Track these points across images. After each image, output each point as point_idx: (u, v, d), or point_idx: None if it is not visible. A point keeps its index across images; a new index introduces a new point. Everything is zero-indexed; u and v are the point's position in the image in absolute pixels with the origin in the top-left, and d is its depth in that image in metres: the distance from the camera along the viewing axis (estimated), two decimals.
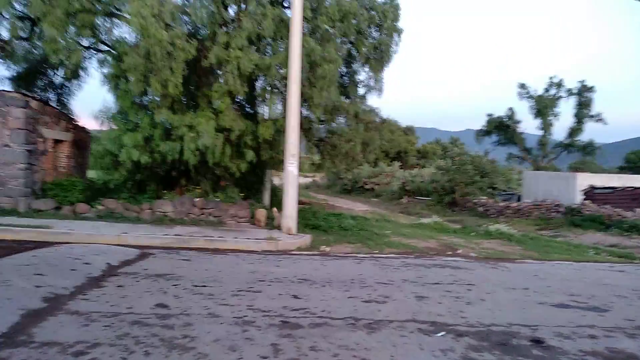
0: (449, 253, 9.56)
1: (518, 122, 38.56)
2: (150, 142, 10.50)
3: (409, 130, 47.97)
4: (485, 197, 23.20)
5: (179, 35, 9.77)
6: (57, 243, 8.01)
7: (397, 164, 38.74)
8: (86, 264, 6.34)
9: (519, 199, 23.58)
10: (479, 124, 40.25)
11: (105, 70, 11.47)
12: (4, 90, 10.96)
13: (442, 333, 4.35)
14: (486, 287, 6.45)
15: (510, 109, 38.76)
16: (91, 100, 12.66)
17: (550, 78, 37.53)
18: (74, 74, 13.58)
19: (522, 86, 38.07)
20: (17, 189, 10.68)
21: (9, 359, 3.27)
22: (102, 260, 6.63)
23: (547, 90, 37.68)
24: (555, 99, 37.49)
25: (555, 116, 37.87)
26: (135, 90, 9.99)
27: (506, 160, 38.62)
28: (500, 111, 56.30)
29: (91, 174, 14.61)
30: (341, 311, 4.89)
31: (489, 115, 39.73)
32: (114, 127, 10.98)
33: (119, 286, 5.43)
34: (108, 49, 11.86)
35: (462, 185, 23.35)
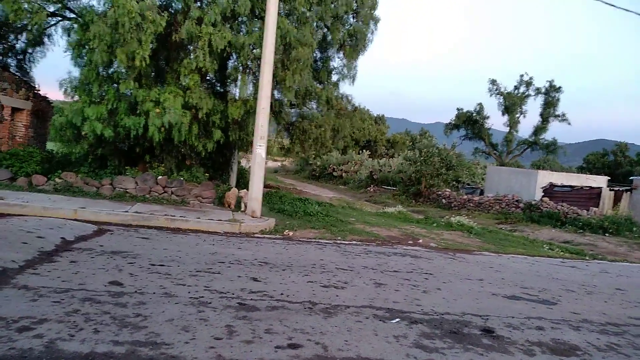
0: (410, 242, 9.71)
1: (486, 117, 39.42)
2: (114, 116, 10.17)
3: (379, 120, 48.26)
4: (449, 190, 23.64)
5: (150, 7, 9.46)
6: (9, 215, 7.71)
7: (366, 152, 38.98)
8: (39, 237, 6.12)
9: (481, 193, 24.14)
10: (449, 117, 40.97)
11: (70, 38, 11.00)
12: None
13: (397, 320, 4.42)
14: (443, 277, 6.60)
15: (480, 104, 39.56)
16: (55, 70, 12.13)
17: (521, 76, 38.40)
18: (37, 39, 12.98)
19: (493, 82, 38.84)
20: None
21: None
22: (56, 235, 6.41)
23: (516, 87, 38.58)
24: (523, 97, 38.45)
25: (522, 114, 38.88)
26: (99, 61, 9.63)
27: (472, 155, 39.48)
28: (469, 106, 57.28)
29: (51, 145, 14.08)
30: (299, 295, 4.90)
31: (459, 109, 40.45)
32: (77, 98, 10.57)
33: (72, 262, 5.27)
34: (75, 16, 11.37)
35: (428, 176, 23.70)
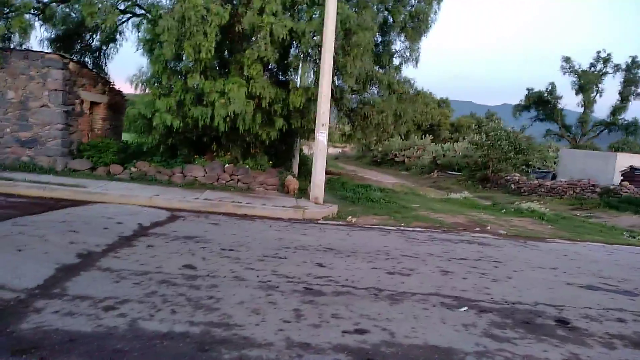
0: (478, 229, 9.43)
1: (559, 97, 37.21)
2: (183, 107, 10.60)
3: (443, 103, 46.88)
4: (518, 174, 22.61)
5: (214, 0, 9.70)
6: (91, 202, 8.29)
7: (429, 137, 38.08)
8: (119, 223, 6.54)
9: (553, 178, 22.91)
10: (517, 98, 39.06)
11: (140, 34, 11.56)
12: (43, 52, 11.19)
13: (465, 308, 4.33)
14: (513, 265, 6.36)
15: (552, 83, 37.35)
16: (127, 64, 12.81)
17: (598, 52, 35.78)
18: (110, 37, 13.76)
19: (567, 60, 36.50)
20: (55, 149, 11.03)
21: (43, 310, 3.44)
22: (133, 221, 6.83)
23: (592, 65, 36.03)
24: (600, 75, 35.87)
25: (598, 93, 36.35)
26: (168, 55, 10.02)
27: (543, 137, 37.48)
28: (540, 86, 54.20)
29: (125, 136, 14.94)
30: (365, 281, 4.92)
31: (529, 89, 38.45)
32: (148, 91, 11.11)
33: (149, 246, 5.59)
34: (144, 12, 11.90)
35: (495, 161, 22.79)
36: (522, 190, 20.76)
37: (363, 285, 4.78)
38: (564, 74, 36.64)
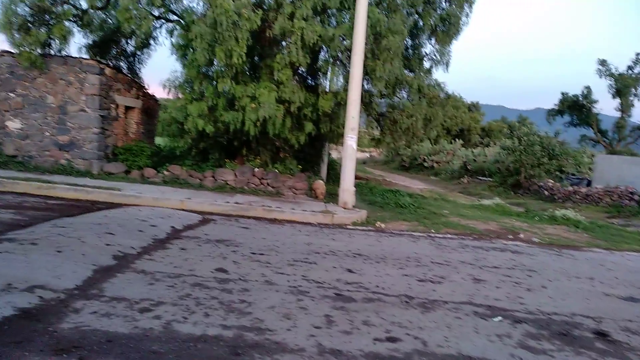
0: (510, 237, 9.23)
1: (594, 101, 36.09)
2: (214, 112, 10.77)
3: (473, 107, 46.18)
4: (552, 181, 22.02)
5: (245, 5, 9.83)
6: (126, 205, 8.50)
7: (459, 141, 37.54)
8: (152, 226, 6.68)
9: (588, 184, 22.22)
10: (551, 102, 38.11)
11: (174, 40, 11.82)
12: (81, 58, 11.56)
13: (499, 318, 4.24)
14: (548, 274, 6.20)
15: (587, 87, 36.28)
16: (160, 69, 13.12)
17: (637, 54, 34.56)
18: (145, 42, 14.09)
19: (603, 63, 35.40)
20: (91, 152, 11.36)
21: (82, 310, 3.53)
22: (167, 224, 6.96)
23: (630, 68, 34.85)
24: (638, 78, 34.65)
25: (637, 97, 35.11)
26: (201, 60, 10.20)
27: (578, 142, 36.40)
28: (575, 90, 52.72)
29: (158, 140, 15.27)
30: (395, 288, 4.87)
31: (563, 93, 37.46)
32: (181, 96, 11.34)
33: (182, 249, 5.69)
34: (177, 18, 12.16)
35: (528, 166, 22.27)
36: (555, 197, 20.22)
37: (394, 292, 4.74)
38: (600, 77, 35.53)
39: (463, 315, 4.22)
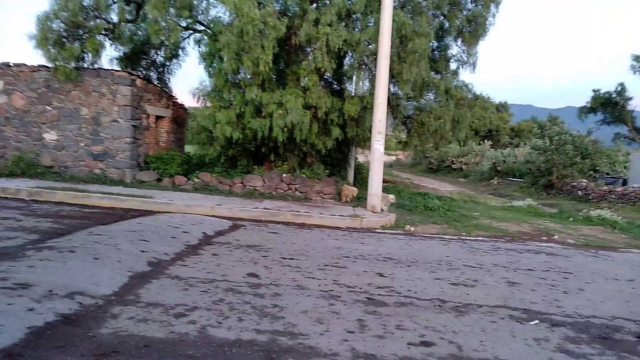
0: (544, 238, 9.01)
1: (629, 98, 34.94)
2: (242, 119, 10.91)
3: (502, 107, 45.32)
4: (585, 180, 21.41)
5: (271, 13, 9.95)
6: (158, 212, 8.68)
7: (488, 142, 36.90)
8: (184, 232, 6.80)
9: (624, 183, 21.48)
10: (582, 100, 37.10)
11: (201, 49, 12.04)
12: (113, 70, 11.90)
13: (536, 322, 4.14)
14: (585, 277, 6.03)
15: (621, 84, 35.18)
16: (188, 78, 13.38)
17: None
18: (173, 53, 14.42)
19: (637, 58, 34.28)
20: (124, 161, 11.66)
21: (119, 315, 3.62)
22: (198, 230, 7.07)
23: None
24: None
25: None
26: (228, 68, 10.36)
27: (612, 141, 35.28)
28: (608, 87, 51.21)
29: (188, 148, 15.55)
30: (427, 292, 4.82)
31: (595, 91, 36.41)
32: (209, 104, 11.53)
33: (214, 254, 5.77)
34: (204, 28, 12.39)
35: (560, 166, 21.70)
36: (590, 197, 19.64)
37: (426, 296, 4.69)
38: (634, 73, 34.41)
39: (498, 319, 4.14)
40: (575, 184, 21.07)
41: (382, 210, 10.12)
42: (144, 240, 6.02)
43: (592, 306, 4.74)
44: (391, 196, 10.46)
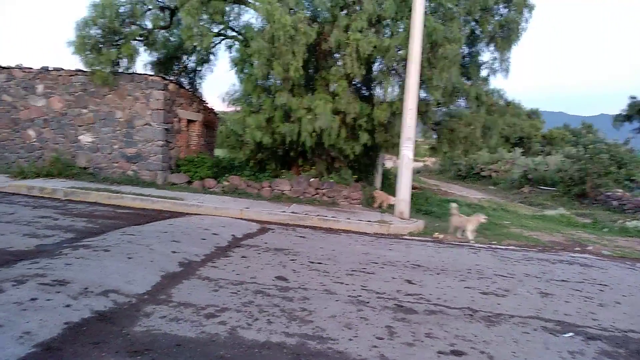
0: (578, 249, 8.77)
1: None
2: (271, 124, 11.00)
3: (533, 114, 44.37)
4: (620, 190, 20.75)
5: (302, 20, 10.02)
6: (188, 214, 8.83)
7: (518, 150, 36.16)
8: (214, 234, 6.89)
9: None
10: (617, 108, 35.99)
11: (232, 55, 12.23)
12: (147, 75, 12.19)
13: (571, 334, 4.04)
14: (622, 289, 5.84)
15: None
16: (218, 83, 13.59)
17: None
18: (205, 58, 14.69)
19: None
20: (156, 164, 11.91)
21: (152, 314, 3.70)
22: (227, 232, 7.16)
23: None
24: None
25: None
26: (259, 74, 10.48)
27: None
28: None
29: (218, 152, 15.78)
30: (457, 301, 4.75)
31: (632, 97, 35.31)
32: (239, 109, 11.68)
33: (243, 257, 5.83)
34: (235, 34, 12.58)
35: (594, 175, 21.09)
36: (625, 208, 19.01)
37: (456, 304, 4.62)
38: None
39: (531, 330, 4.05)
40: (610, 193, 20.45)
41: (409, 217, 10.03)
42: (175, 241, 6.13)
43: (629, 320, 4.59)
44: (482, 216, 9.14)
